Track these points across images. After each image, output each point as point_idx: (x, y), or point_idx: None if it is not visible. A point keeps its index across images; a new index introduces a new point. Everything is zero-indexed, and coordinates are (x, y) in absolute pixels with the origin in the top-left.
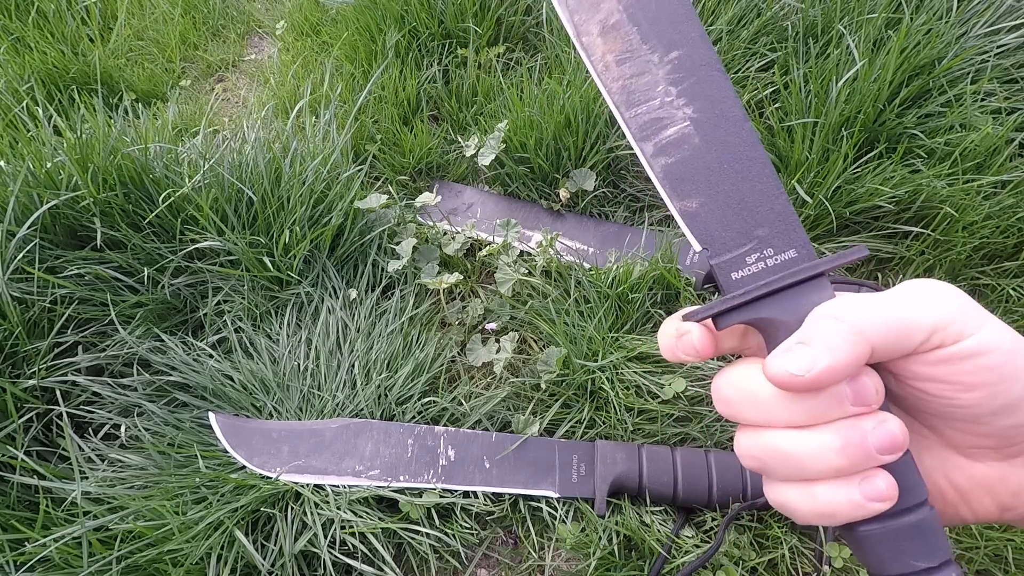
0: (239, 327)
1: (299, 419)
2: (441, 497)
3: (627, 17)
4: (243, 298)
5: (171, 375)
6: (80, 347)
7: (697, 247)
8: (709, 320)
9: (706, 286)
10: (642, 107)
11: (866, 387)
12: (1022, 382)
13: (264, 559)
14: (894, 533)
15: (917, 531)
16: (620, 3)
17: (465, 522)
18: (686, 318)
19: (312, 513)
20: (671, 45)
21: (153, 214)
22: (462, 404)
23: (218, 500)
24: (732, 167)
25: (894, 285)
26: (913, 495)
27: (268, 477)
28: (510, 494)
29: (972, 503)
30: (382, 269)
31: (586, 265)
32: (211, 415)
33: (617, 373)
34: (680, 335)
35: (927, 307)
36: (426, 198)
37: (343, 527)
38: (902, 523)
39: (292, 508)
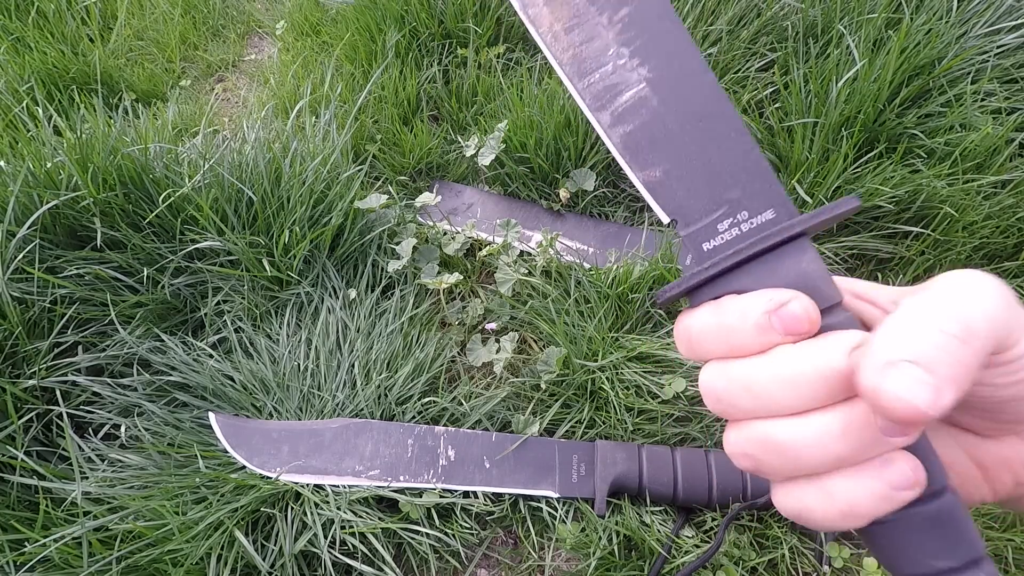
0: (239, 327)
1: (299, 419)
2: (441, 497)
3: None
4: (243, 298)
5: (171, 375)
6: (80, 347)
7: (665, 219)
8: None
9: None
10: (595, 75)
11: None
12: None
13: (264, 559)
14: (910, 526)
15: (937, 523)
16: None
17: (465, 522)
18: (652, 301)
19: (312, 513)
20: (620, 2)
21: (153, 214)
22: (462, 404)
23: (218, 500)
24: (695, 127)
25: (894, 285)
26: (932, 481)
27: (268, 477)
28: (510, 494)
29: (993, 480)
30: (382, 269)
31: (586, 265)
32: (211, 415)
33: (617, 373)
34: (778, 307)
35: (1003, 308)
36: (426, 198)
37: (343, 527)
38: (919, 513)
39: (292, 508)
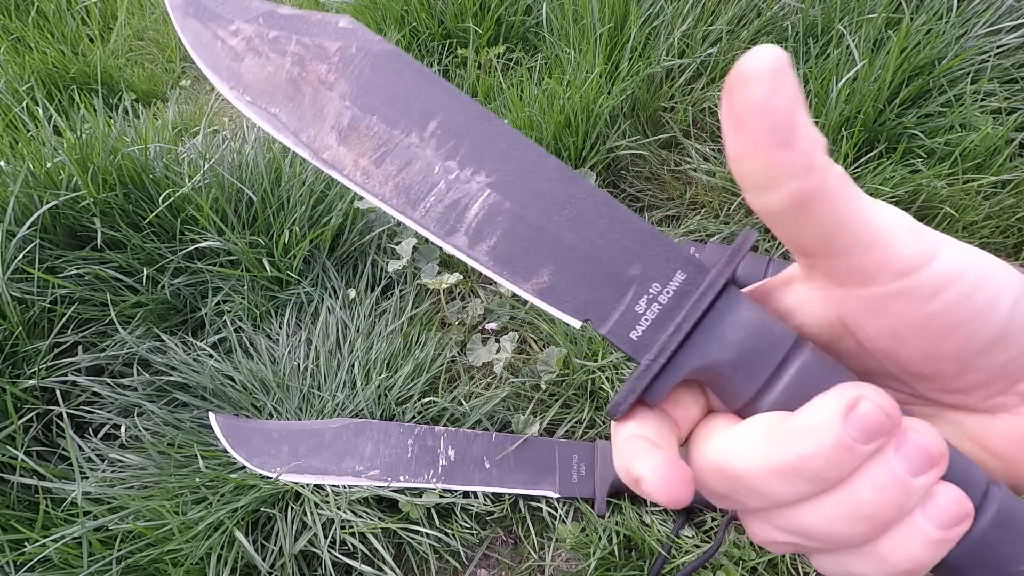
0: (239, 327)
1: (299, 419)
2: (441, 497)
3: (360, 110)
4: (243, 298)
5: (171, 375)
6: (80, 347)
7: (576, 323)
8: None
9: None
10: (429, 199)
11: (869, 419)
12: (1000, 311)
13: (264, 559)
14: (974, 547)
15: (1000, 527)
16: (344, 98)
17: (465, 522)
18: (610, 415)
19: (312, 513)
20: (425, 115)
21: (153, 214)
22: (462, 404)
23: (218, 500)
24: (562, 215)
25: None
26: (973, 487)
27: (268, 477)
28: (510, 494)
29: (1015, 465)
30: (382, 269)
31: None
32: (211, 415)
33: (617, 373)
34: (636, 483)
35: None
36: None
37: (343, 527)
38: (978, 528)
39: (292, 508)
